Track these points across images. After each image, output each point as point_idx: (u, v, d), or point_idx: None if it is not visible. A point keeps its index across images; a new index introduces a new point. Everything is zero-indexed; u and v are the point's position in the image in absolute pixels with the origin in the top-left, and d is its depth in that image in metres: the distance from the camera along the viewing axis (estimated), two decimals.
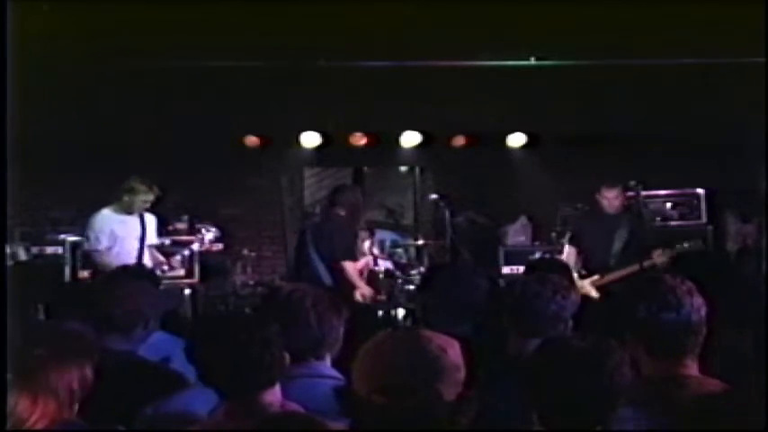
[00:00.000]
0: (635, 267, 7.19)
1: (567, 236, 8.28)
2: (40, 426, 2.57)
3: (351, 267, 7.02)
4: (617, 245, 7.58)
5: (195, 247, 7.50)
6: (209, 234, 7.39)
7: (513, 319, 3.44)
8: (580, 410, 2.39)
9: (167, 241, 8.65)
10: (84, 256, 8.72)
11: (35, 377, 2.68)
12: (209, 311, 8.56)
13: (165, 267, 7.50)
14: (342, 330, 3.18)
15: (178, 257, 7.67)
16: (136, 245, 7.26)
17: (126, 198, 7.22)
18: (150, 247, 7.39)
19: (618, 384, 2.41)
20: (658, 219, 9.51)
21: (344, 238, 7.19)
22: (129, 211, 7.26)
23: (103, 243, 7.20)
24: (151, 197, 7.25)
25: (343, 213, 7.26)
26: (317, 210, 10.60)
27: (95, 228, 7.25)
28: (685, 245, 7.50)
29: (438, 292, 4.02)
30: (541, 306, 3.37)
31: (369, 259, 8.21)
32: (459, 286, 3.96)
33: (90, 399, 2.85)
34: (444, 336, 2.40)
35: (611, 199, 7.72)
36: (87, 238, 7.34)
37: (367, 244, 8.61)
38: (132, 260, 7.02)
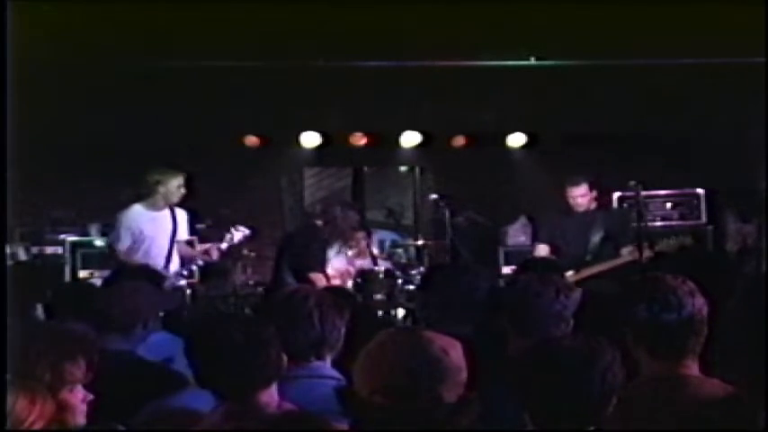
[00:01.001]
0: (611, 264, 7.10)
1: (540, 236, 8.08)
2: (37, 426, 2.57)
3: (317, 279, 6.95)
4: (592, 243, 7.39)
5: (224, 245, 7.29)
6: (238, 234, 7.20)
7: (514, 319, 3.44)
8: (572, 410, 2.39)
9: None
10: (84, 256, 8.70)
11: (34, 377, 2.69)
12: (206, 312, 8.54)
13: (200, 261, 7.29)
14: (343, 331, 3.18)
15: (223, 245, 7.34)
16: (166, 242, 6.98)
17: (161, 189, 6.92)
18: (179, 242, 7.10)
19: (610, 384, 2.41)
20: (658, 218, 9.52)
21: (312, 249, 7.10)
22: (161, 206, 6.96)
23: (125, 242, 6.92)
24: (181, 180, 6.93)
25: (319, 224, 7.21)
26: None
27: (123, 225, 6.95)
28: (671, 241, 7.33)
29: (438, 292, 4.02)
30: (544, 305, 3.37)
31: (360, 263, 8.23)
32: (459, 286, 3.95)
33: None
34: (447, 337, 2.40)
35: (576, 197, 7.42)
36: (116, 236, 7.05)
37: (364, 244, 8.61)
38: (161, 259, 6.79)
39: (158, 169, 6.99)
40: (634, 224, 7.22)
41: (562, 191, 7.63)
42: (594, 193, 7.50)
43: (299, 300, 3.17)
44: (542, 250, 7.61)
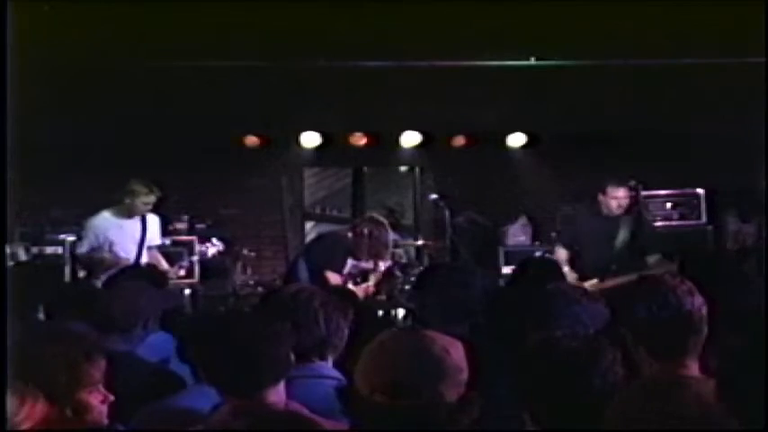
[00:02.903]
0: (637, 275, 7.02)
1: (555, 236, 8.06)
2: (25, 427, 2.57)
3: (333, 278, 7.01)
4: (618, 248, 7.34)
5: (195, 258, 7.49)
6: (213, 248, 7.38)
7: (533, 316, 3.44)
8: (573, 410, 2.38)
9: (168, 242, 8.65)
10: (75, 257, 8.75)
11: (49, 379, 2.68)
12: (212, 310, 8.56)
13: (171, 275, 7.42)
14: (347, 332, 3.17)
15: (185, 263, 7.64)
16: (133, 248, 7.16)
17: (127, 201, 7.14)
18: (151, 248, 7.31)
19: (610, 384, 2.41)
20: (658, 218, 9.52)
21: (335, 252, 7.17)
22: (130, 215, 7.18)
23: (83, 248, 7.19)
24: (152, 198, 7.16)
25: (349, 236, 7.27)
26: (317, 210, 10.64)
27: (88, 230, 7.21)
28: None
29: (433, 291, 4.02)
30: (563, 305, 3.38)
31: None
32: (453, 286, 3.95)
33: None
34: (448, 337, 2.41)
35: (620, 198, 7.34)
36: (79, 239, 7.35)
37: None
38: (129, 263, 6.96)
39: (136, 181, 7.18)
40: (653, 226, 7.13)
41: (597, 189, 7.52)
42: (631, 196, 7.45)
43: (304, 299, 3.15)
44: (562, 254, 7.50)
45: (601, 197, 7.48)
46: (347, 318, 3.20)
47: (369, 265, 8.31)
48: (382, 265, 8.31)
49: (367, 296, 7.32)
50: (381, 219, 7.67)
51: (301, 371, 3.00)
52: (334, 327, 3.12)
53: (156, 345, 3.92)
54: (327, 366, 3.11)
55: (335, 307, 3.17)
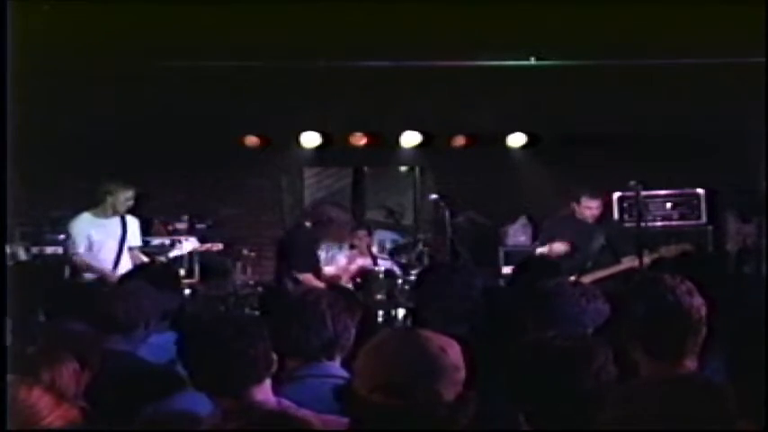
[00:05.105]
0: (611, 270, 7.17)
1: (540, 239, 8.19)
2: (56, 424, 2.56)
3: (306, 280, 7.05)
4: (592, 251, 7.47)
5: (174, 253, 7.68)
6: (188, 244, 7.55)
7: (535, 316, 3.45)
8: (566, 410, 2.39)
9: (160, 241, 8.78)
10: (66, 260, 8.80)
11: (52, 377, 2.68)
12: (199, 312, 8.57)
13: None
14: (354, 332, 3.20)
15: (162, 259, 7.79)
16: (114, 248, 7.32)
17: (109, 199, 7.30)
18: (132, 249, 7.44)
19: (604, 383, 2.41)
20: (658, 218, 9.53)
21: (302, 250, 7.20)
22: (111, 214, 7.33)
23: (81, 247, 7.28)
24: (130, 194, 7.31)
25: (308, 225, 7.30)
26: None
27: (73, 232, 7.36)
28: (671, 248, 7.37)
29: (433, 291, 4.03)
30: (564, 305, 3.38)
31: (361, 262, 8.24)
32: (453, 286, 3.96)
33: (89, 399, 2.85)
34: (445, 336, 2.41)
35: (593, 209, 7.58)
36: (72, 243, 7.44)
37: (365, 243, 8.63)
38: (110, 263, 7.20)
39: (110, 181, 7.39)
40: (633, 228, 7.30)
41: (571, 198, 7.71)
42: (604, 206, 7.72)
43: (312, 301, 3.20)
44: (558, 247, 7.59)
45: (575, 206, 7.68)
46: (354, 318, 3.24)
47: (367, 262, 8.35)
48: (382, 264, 8.34)
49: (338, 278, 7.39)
50: (338, 201, 7.78)
51: (310, 370, 3.04)
52: (341, 327, 3.16)
53: (160, 346, 3.92)
54: (335, 366, 3.14)
55: (343, 308, 3.21)
